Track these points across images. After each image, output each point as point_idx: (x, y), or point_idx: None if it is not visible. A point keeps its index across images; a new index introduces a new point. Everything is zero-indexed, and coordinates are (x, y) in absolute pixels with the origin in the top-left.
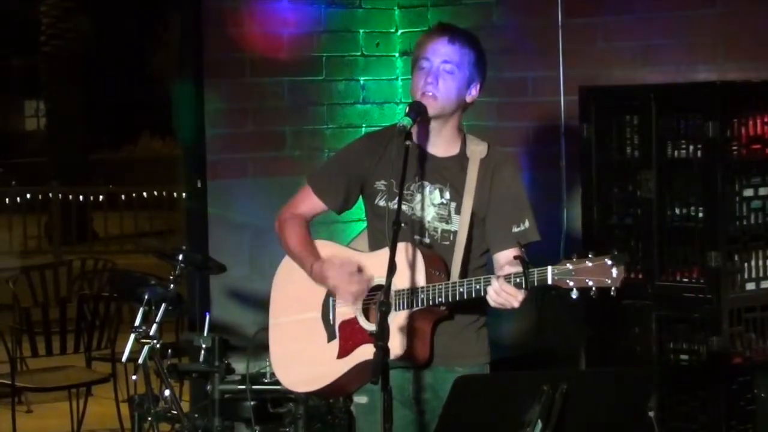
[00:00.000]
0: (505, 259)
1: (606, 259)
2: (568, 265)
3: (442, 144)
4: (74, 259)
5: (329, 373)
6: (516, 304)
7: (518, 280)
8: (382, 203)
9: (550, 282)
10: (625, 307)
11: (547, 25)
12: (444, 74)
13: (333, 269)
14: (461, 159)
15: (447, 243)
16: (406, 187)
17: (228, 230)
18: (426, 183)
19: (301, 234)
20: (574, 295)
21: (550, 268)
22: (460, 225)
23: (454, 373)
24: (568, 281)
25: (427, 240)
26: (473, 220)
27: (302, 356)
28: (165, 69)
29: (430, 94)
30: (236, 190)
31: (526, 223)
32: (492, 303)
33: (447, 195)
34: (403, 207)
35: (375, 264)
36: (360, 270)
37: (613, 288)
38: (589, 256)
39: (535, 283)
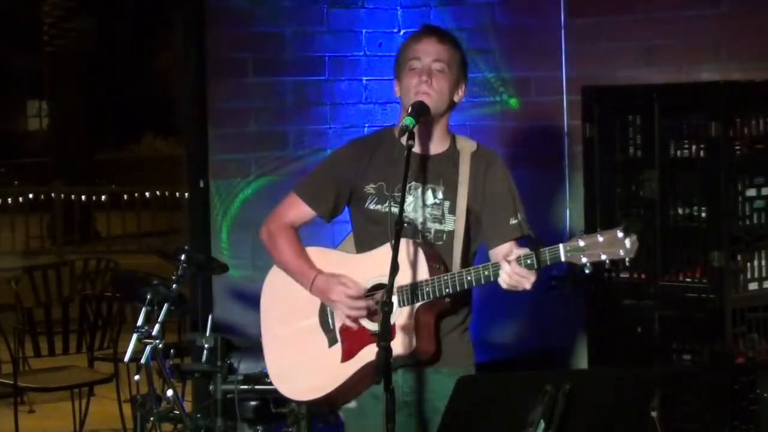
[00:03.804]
0: (503, 252)
1: (618, 231)
2: (579, 241)
3: (433, 143)
4: (77, 259)
5: (334, 378)
6: (528, 286)
7: (529, 261)
8: (372, 206)
9: (563, 259)
10: (627, 307)
11: (549, 25)
12: (436, 73)
13: (337, 288)
14: (452, 154)
15: (441, 243)
16: (398, 189)
17: (230, 230)
18: (418, 184)
19: (294, 245)
20: (588, 270)
21: (561, 245)
22: (457, 222)
23: (439, 374)
24: (581, 257)
25: (420, 241)
26: (468, 216)
27: (303, 365)
28: (168, 69)
29: (425, 92)
30: (239, 190)
31: (519, 216)
32: (504, 285)
33: (440, 194)
34: (394, 209)
35: (370, 265)
36: (362, 295)
37: (627, 258)
38: (598, 230)
39: (548, 262)
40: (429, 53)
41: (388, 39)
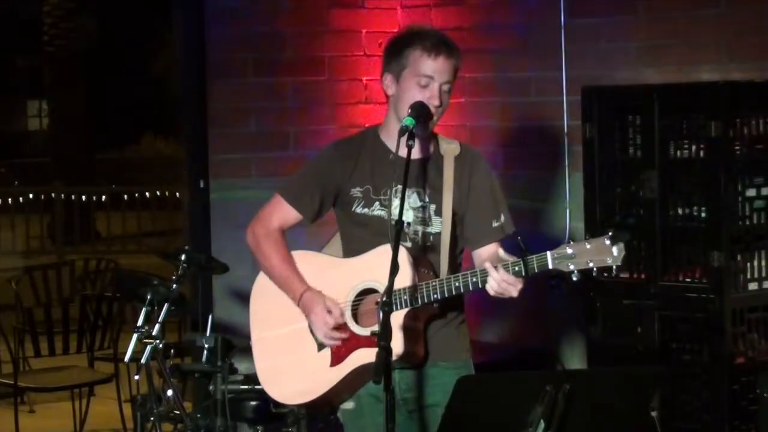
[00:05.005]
0: (487, 253)
1: (605, 239)
2: (567, 249)
3: (417, 147)
4: (77, 259)
5: (323, 383)
6: (515, 293)
7: (517, 268)
8: (359, 210)
9: (550, 266)
10: (627, 307)
11: (549, 25)
12: (444, 94)
13: (318, 312)
14: (436, 158)
15: (428, 244)
16: (382, 193)
17: (231, 230)
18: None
19: (283, 253)
20: (575, 277)
21: (549, 253)
22: (443, 224)
23: (438, 369)
24: (569, 264)
25: (408, 244)
26: (454, 218)
27: (292, 369)
28: (168, 68)
29: (432, 114)
30: (239, 190)
31: (502, 218)
32: (492, 292)
33: (426, 198)
34: (382, 213)
35: (358, 269)
36: (342, 326)
37: (614, 266)
38: (587, 237)
39: (536, 270)
40: (443, 74)
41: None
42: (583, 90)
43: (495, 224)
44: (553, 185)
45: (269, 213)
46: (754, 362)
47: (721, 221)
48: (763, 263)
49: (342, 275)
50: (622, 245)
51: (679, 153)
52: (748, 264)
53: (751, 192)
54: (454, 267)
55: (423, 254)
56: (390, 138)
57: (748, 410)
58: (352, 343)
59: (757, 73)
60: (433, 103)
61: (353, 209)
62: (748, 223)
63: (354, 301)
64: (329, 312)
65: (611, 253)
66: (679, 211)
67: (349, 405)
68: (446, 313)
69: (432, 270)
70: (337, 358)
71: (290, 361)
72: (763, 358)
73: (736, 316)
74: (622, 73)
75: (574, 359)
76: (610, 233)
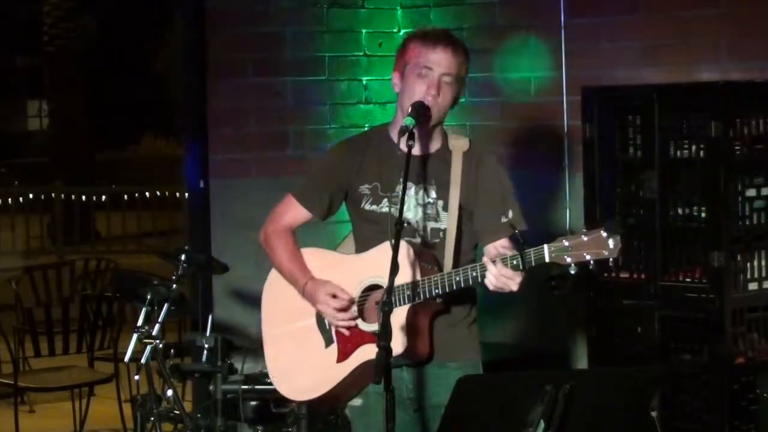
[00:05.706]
0: (496, 250)
1: (601, 232)
2: (564, 241)
3: (425, 144)
4: (77, 259)
5: (330, 378)
6: (514, 287)
7: (515, 261)
8: (368, 207)
9: (547, 260)
10: (627, 307)
11: (549, 25)
12: (444, 86)
13: (323, 299)
14: (444, 153)
15: (437, 240)
16: (394, 189)
17: (231, 230)
18: (411, 184)
19: (290, 248)
20: (573, 270)
21: (546, 246)
22: (449, 219)
23: (446, 369)
24: (565, 257)
25: (417, 240)
26: (461, 214)
27: (301, 365)
28: (168, 69)
29: (430, 105)
30: (239, 190)
31: (510, 213)
32: (491, 287)
33: (433, 194)
34: (391, 209)
35: (366, 265)
36: (350, 303)
37: (611, 258)
38: (583, 231)
39: (533, 263)
40: (441, 65)
41: (388, 39)
42: (583, 90)
43: (503, 220)
44: (553, 185)
45: (281, 212)
46: (754, 362)
47: (721, 221)
48: (763, 263)
49: (348, 272)
50: (618, 237)
51: (679, 153)
52: (748, 264)
53: (751, 192)
54: (459, 262)
55: (427, 249)
56: (400, 136)
57: (748, 410)
58: (358, 339)
59: (757, 72)
60: (430, 92)
61: (362, 206)
62: (748, 223)
63: (360, 298)
64: (334, 296)
65: (608, 245)
66: (679, 211)
67: (357, 402)
68: (456, 311)
69: (436, 265)
70: (343, 355)
71: (299, 358)
72: (763, 358)
73: (736, 316)
74: (622, 73)
75: (575, 359)
76: (606, 226)
